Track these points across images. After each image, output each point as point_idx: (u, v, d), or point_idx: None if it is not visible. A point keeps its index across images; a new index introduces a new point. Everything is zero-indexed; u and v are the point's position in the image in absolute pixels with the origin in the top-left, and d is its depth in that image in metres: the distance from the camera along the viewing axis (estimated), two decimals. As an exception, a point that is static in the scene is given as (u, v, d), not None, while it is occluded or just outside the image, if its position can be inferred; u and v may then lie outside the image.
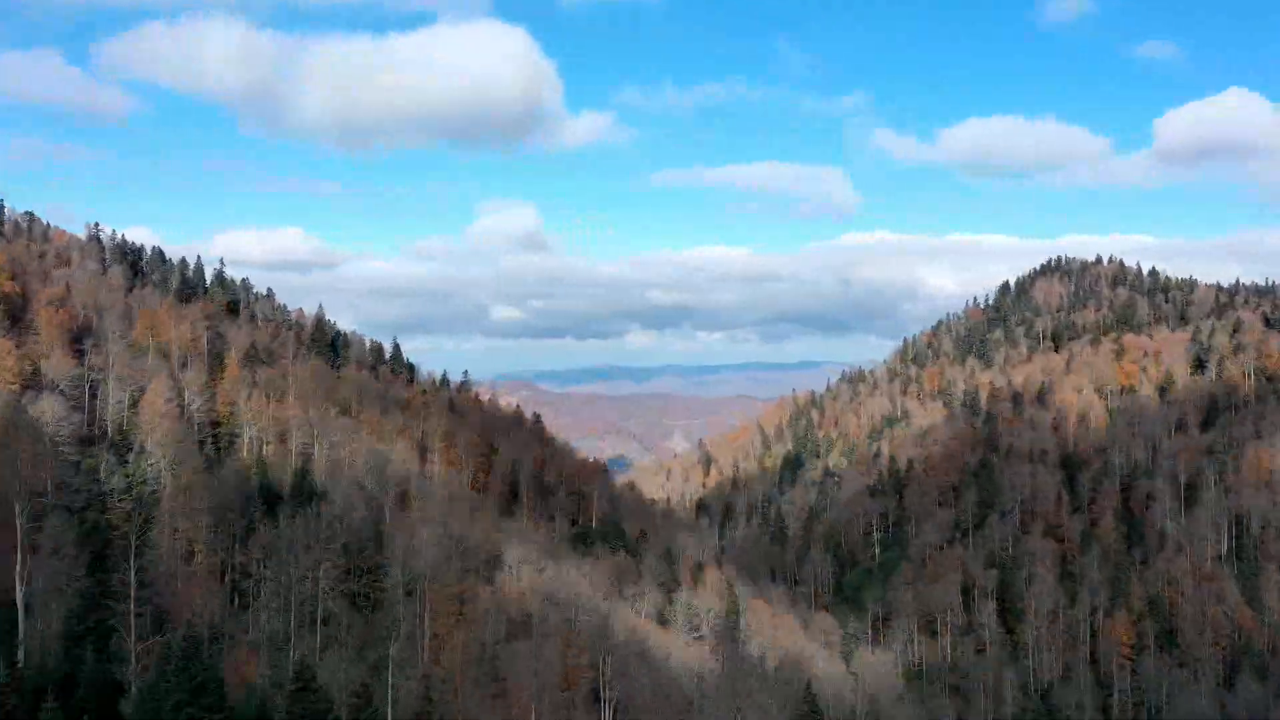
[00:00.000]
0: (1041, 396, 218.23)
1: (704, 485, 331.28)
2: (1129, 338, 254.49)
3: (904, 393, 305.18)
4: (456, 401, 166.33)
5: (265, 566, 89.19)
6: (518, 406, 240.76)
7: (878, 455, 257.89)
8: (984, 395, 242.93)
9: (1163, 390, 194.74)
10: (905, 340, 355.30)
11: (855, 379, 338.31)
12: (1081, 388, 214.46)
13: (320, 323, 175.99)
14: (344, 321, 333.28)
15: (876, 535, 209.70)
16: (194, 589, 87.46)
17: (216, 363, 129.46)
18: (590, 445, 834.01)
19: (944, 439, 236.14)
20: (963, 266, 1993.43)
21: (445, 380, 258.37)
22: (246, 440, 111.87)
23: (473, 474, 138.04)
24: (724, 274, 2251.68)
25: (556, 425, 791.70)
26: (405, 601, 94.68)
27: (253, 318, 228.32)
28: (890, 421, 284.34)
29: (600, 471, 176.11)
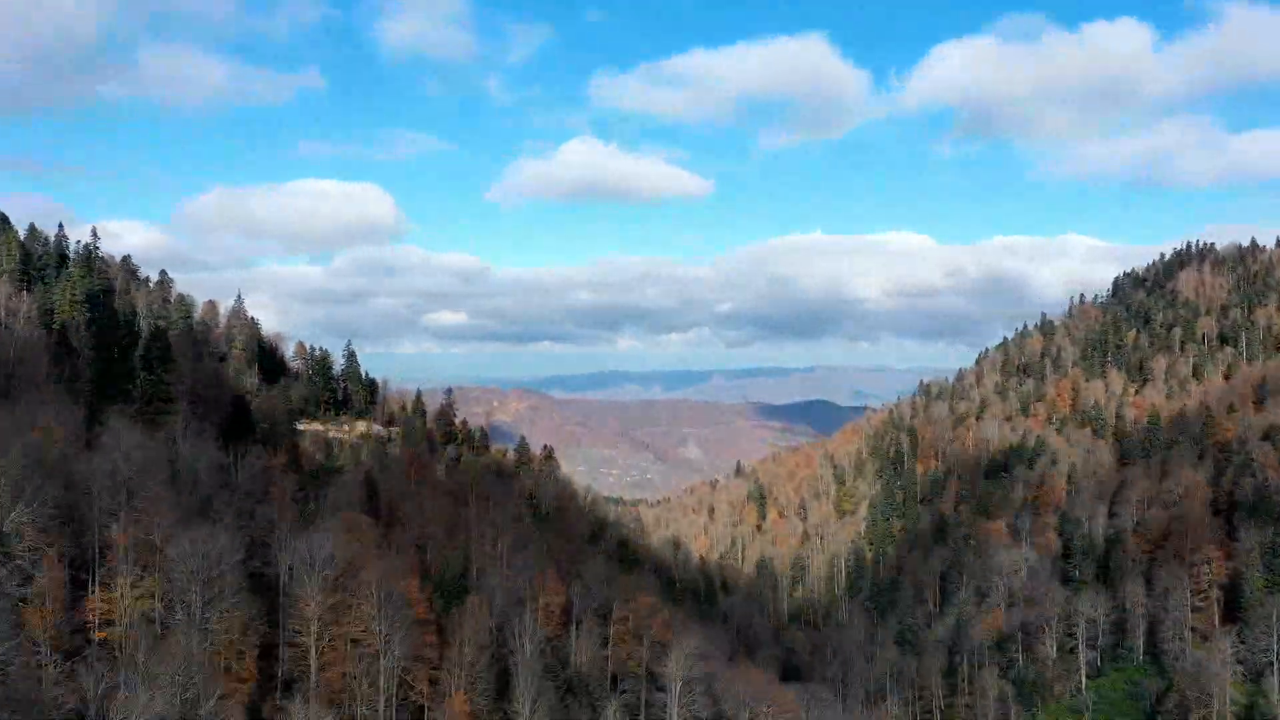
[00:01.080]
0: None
1: (758, 528, 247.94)
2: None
3: (1025, 413, 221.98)
4: (380, 484, 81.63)
5: None
6: (518, 451, 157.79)
7: (1027, 508, 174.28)
8: (1199, 423, 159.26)
9: None
10: (1005, 342, 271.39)
11: (951, 394, 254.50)
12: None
13: (110, 323, 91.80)
14: (270, 322, 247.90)
15: (1082, 648, 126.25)
16: None
17: None
18: (603, 456, 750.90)
19: (1132, 481, 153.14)
20: (884, 267, 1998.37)
21: (420, 404, 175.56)
22: None
23: (409, 661, 54.79)
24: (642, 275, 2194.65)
25: (565, 435, 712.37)
26: None
27: (132, 315, 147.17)
28: (1020, 453, 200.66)
29: (680, 625, 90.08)
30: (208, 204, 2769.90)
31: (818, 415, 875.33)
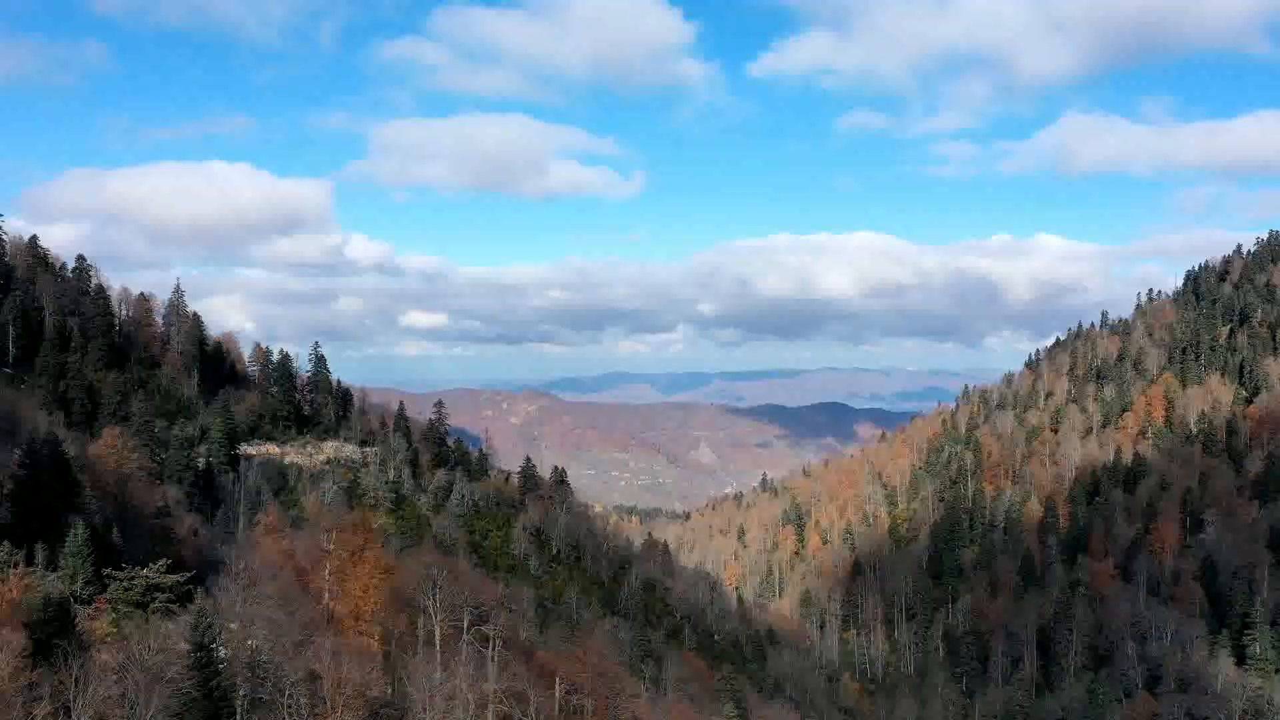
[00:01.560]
0: None
1: (797, 554, 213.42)
2: None
3: (1108, 425, 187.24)
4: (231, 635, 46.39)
5: None
6: (524, 474, 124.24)
7: (1140, 545, 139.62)
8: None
9: None
10: (1067, 343, 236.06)
11: (1015, 402, 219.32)
12: None
13: None
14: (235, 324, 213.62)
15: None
16: None
17: None
18: (614, 459, 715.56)
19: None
20: (854, 267, 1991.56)
21: (402, 420, 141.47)
22: None
23: None
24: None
25: (575, 438, 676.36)
26: None
27: (36, 308, 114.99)
28: (1114, 474, 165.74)
29: None
30: (63, 191, 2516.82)
31: (831, 418, 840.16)
